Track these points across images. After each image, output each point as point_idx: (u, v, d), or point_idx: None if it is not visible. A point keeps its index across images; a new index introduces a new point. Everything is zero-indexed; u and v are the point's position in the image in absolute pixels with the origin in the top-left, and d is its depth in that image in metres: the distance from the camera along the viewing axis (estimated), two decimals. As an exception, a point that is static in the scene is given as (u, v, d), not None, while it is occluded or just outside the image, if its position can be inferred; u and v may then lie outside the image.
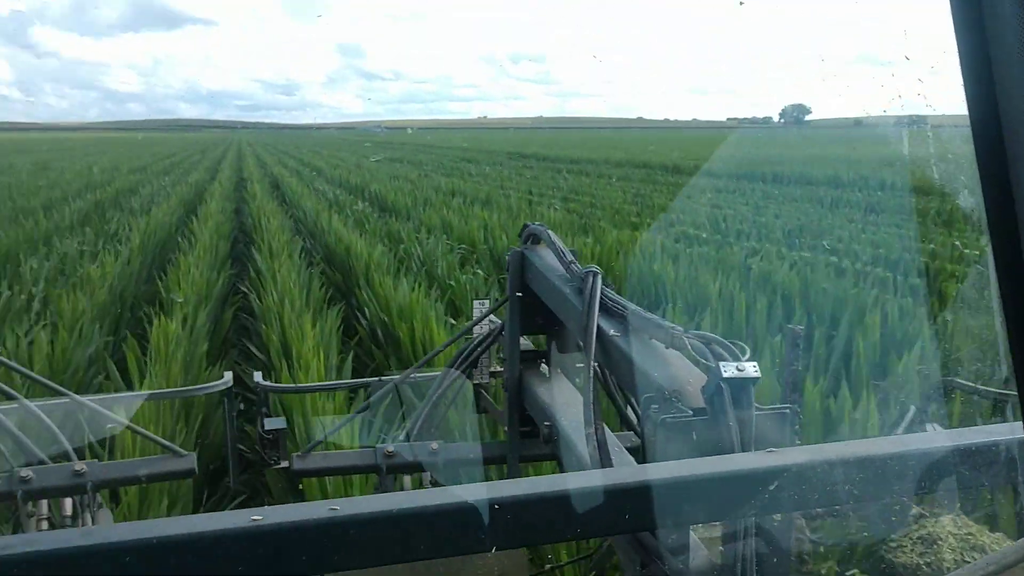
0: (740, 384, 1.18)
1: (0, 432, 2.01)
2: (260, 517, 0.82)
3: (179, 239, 11.30)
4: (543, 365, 2.20)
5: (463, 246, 10.41)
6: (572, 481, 0.95)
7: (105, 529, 0.84)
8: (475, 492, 0.88)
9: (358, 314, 7.39)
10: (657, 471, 0.98)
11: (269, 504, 3.70)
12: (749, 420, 1.18)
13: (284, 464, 2.33)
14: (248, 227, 13.45)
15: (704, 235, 12.17)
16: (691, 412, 1.19)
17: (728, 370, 1.18)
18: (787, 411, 1.22)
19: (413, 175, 25.36)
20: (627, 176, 28.37)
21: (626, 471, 1.18)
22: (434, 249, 9.65)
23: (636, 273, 8.28)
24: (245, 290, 8.94)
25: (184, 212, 15.16)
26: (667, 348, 1.39)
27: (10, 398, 2.07)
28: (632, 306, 1.53)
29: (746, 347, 1.26)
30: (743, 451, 1.15)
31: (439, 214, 13.53)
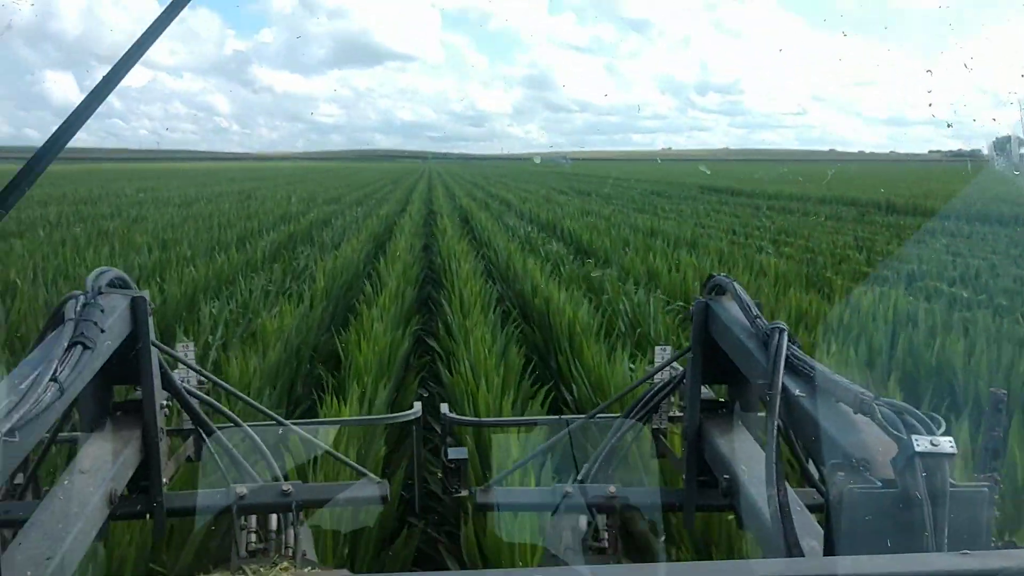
0: (934, 459, 1.12)
1: (220, 451, 2.18)
2: None
3: (364, 281, 10.56)
4: (723, 416, 2.15)
5: (677, 303, 9.00)
6: (757, 569, 0.92)
7: None
8: (655, 572, 0.87)
9: (563, 388, 6.18)
10: (844, 565, 0.94)
11: (445, 527, 4.19)
12: (943, 497, 1.11)
13: (464, 493, 2.39)
14: (437, 267, 12.63)
15: (964, 294, 10.13)
16: (880, 484, 1.14)
17: (921, 444, 1.13)
18: (985, 489, 1.13)
19: (606, 211, 24.13)
20: (837, 215, 25.89)
21: (812, 563, 1.18)
22: (644, 304, 8.30)
23: (903, 348, 6.56)
24: (432, 344, 7.98)
25: (373, 247, 14.62)
26: (855, 413, 1.32)
27: (232, 421, 2.24)
28: (819, 366, 1.48)
29: (942, 420, 1.19)
30: (936, 529, 1.09)
31: (642, 259, 12.17)
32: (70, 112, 1.30)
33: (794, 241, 16.68)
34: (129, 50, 1.34)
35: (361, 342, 6.30)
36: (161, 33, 1.36)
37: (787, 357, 1.53)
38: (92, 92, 1.33)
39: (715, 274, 2.13)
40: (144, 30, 1.35)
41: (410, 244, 14.14)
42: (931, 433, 1.16)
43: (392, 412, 5.44)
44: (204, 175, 78.72)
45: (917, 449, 1.12)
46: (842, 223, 22.53)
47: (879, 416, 1.24)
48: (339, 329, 8.32)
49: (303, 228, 18.55)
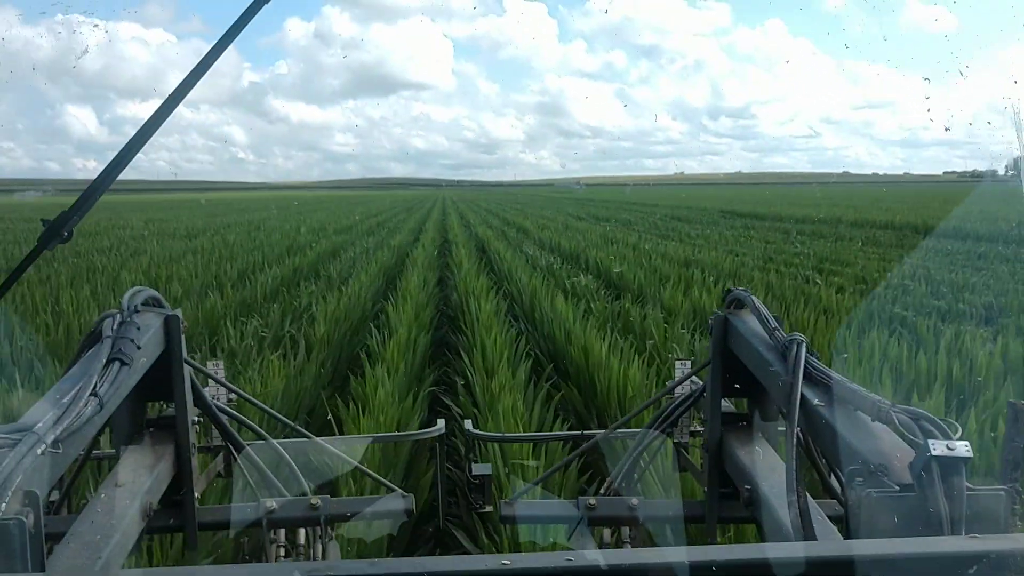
0: (950, 463, 1.13)
1: (250, 466, 2.20)
2: (508, 562, 0.87)
3: (372, 325, 9.26)
4: (744, 428, 2.13)
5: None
6: (773, 551, 0.95)
7: (398, 561, 0.91)
8: (677, 554, 0.90)
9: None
10: (861, 547, 0.98)
11: (469, 541, 4.32)
12: (960, 500, 1.12)
13: (488, 508, 2.39)
14: (453, 305, 11.34)
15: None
16: (897, 488, 1.16)
17: (938, 448, 1.14)
18: (1003, 493, 1.15)
19: (631, 238, 22.77)
20: (874, 239, 24.44)
21: (828, 545, 1.26)
22: (703, 353, 6.97)
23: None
24: (448, 402, 6.68)
25: (383, 283, 13.35)
26: (873, 421, 1.34)
27: (259, 436, 2.26)
28: (837, 376, 1.50)
29: (957, 425, 1.20)
30: (952, 531, 1.11)
31: (682, 294, 10.83)
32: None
33: (841, 270, 15.28)
34: (182, 82, 1.55)
35: (360, 417, 5.00)
36: (204, 75, 1.56)
37: (805, 367, 1.54)
38: (144, 124, 1.57)
39: (733, 288, 2.11)
40: (190, 70, 1.56)
41: (423, 279, 12.84)
42: (947, 437, 1.16)
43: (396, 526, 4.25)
44: (216, 205, 77.96)
45: (934, 453, 1.13)
46: (884, 248, 21.11)
47: (896, 422, 1.25)
48: (339, 388, 7.04)
49: (309, 261, 17.34)
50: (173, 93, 1.56)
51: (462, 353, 7.51)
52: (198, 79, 1.55)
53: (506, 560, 0.86)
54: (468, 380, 6.45)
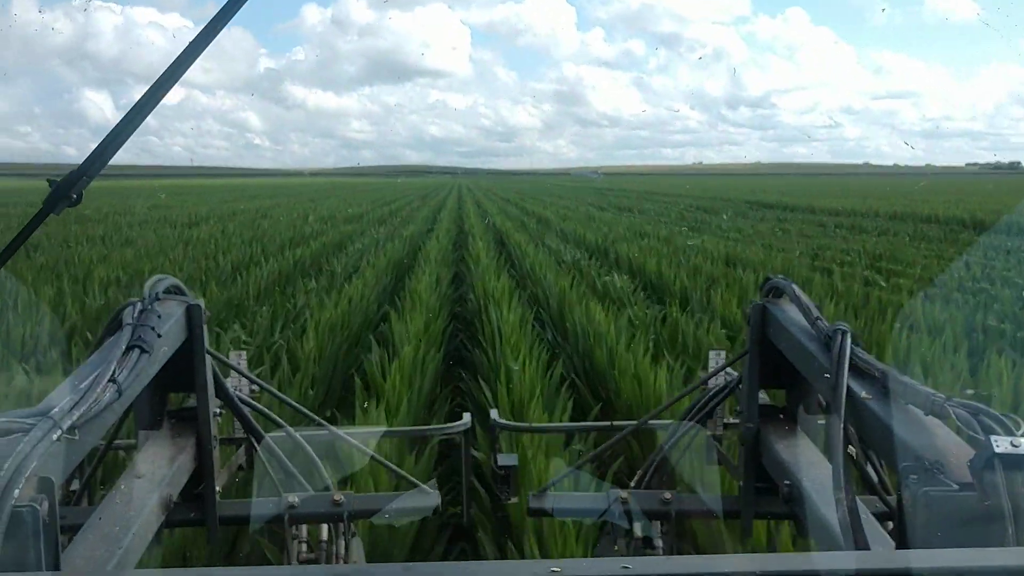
0: (1015, 460, 1.04)
1: (272, 460, 2.13)
2: (559, 568, 0.81)
3: (372, 337, 7.79)
4: (782, 421, 2.05)
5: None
6: (821, 561, 0.88)
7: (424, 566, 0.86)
8: (747, 563, 0.84)
9: None
10: (919, 558, 0.87)
11: (497, 536, 4.02)
12: None
13: (514, 500, 2.33)
14: (471, 310, 9.86)
15: None
16: (956, 486, 1.08)
17: (1001, 444, 1.05)
18: None
19: (662, 232, 21.17)
20: (922, 234, 22.78)
21: (885, 555, 1.17)
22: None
23: None
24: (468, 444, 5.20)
25: (391, 280, 11.89)
26: (926, 415, 1.28)
27: (283, 429, 2.18)
28: (886, 367, 1.43)
29: (1020, 420, 1.12)
30: (1017, 532, 1.02)
31: (737, 302, 9.31)
32: (109, 130, 1.48)
33: (903, 270, 13.69)
34: (172, 63, 1.49)
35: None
36: (200, 53, 1.49)
37: (851, 358, 1.46)
38: (163, 73, 1.49)
39: (771, 276, 2.02)
40: (183, 48, 1.49)
41: (436, 276, 11.35)
42: (1010, 434, 1.09)
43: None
44: (227, 191, 76.72)
45: (997, 450, 1.04)
46: (936, 244, 19.46)
47: (953, 417, 1.19)
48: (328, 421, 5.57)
49: (314, 251, 15.92)
50: (189, 46, 1.49)
51: (480, 381, 6.04)
52: (221, 27, 1.49)
53: (556, 567, 0.79)
54: (493, 425, 4.99)
